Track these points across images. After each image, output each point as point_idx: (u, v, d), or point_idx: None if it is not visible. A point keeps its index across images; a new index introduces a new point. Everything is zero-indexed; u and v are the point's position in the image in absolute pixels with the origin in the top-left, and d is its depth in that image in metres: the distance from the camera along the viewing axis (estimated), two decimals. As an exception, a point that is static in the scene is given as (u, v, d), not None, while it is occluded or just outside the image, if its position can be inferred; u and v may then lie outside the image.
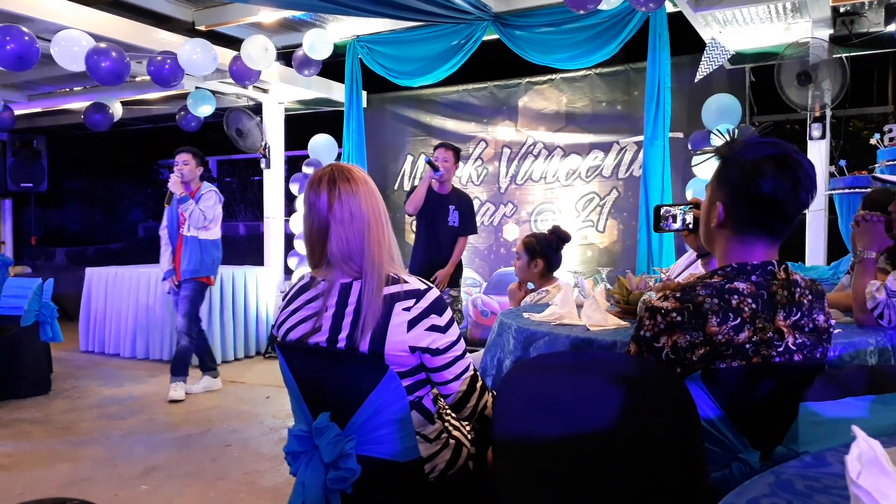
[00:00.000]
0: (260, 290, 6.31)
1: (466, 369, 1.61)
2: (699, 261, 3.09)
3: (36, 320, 4.73)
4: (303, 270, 6.38)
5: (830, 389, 1.29)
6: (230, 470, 3.32)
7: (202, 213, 4.63)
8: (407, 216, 5.28)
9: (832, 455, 0.83)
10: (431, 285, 1.58)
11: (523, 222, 6.22)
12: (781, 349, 1.38)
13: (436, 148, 4.73)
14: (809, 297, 1.44)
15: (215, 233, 4.79)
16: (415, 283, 1.56)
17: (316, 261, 1.61)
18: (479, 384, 1.63)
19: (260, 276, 6.35)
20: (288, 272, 6.67)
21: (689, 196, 4.92)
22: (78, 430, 3.98)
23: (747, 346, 1.35)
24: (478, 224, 6.34)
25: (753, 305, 1.36)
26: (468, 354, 1.63)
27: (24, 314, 4.62)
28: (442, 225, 4.61)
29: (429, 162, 4.57)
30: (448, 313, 1.57)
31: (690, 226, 1.77)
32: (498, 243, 6.30)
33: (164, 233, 4.85)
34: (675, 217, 1.78)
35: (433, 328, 1.53)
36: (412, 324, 1.51)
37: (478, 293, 6.31)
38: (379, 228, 1.57)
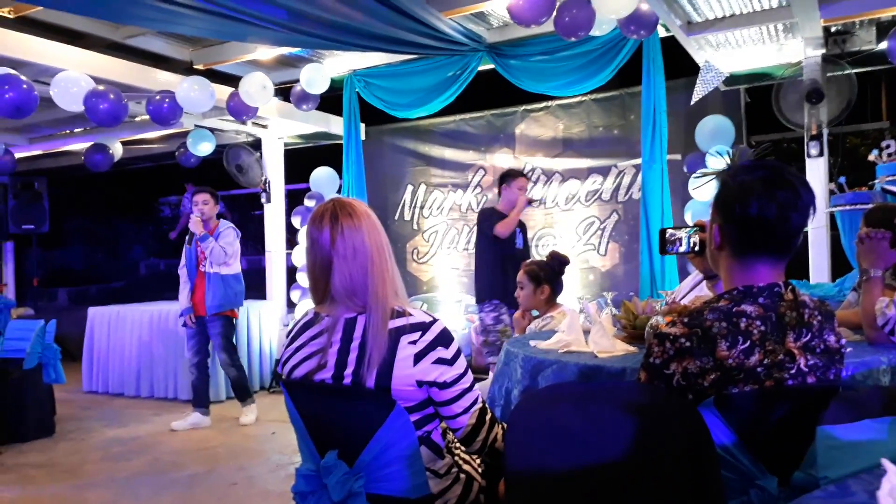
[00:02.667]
0: (263, 325, 6.28)
1: (475, 402, 1.58)
2: (704, 282, 3.08)
3: (39, 362, 4.70)
4: (306, 303, 6.36)
5: (846, 412, 1.27)
6: (237, 510, 3.27)
7: (223, 250, 4.79)
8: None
9: (856, 483, 0.81)
10: (437, 317, 1.57)
11: (525, 248, 6.20)
12: (794, 371, 1.36)
13: (514, 178, 4.65)
14: (819, 317, 1.43)
15: (236, 267, 4.95)
16: (420, 315, 1.55)
17: (320, 297, 1.60)
18: (488, 416, 1.61)
19: (263, 310, 6.33)
20: (291, 305, 6.64)
21: (687, 218, 4.92)
22: (83, 472, 3.93)
23: (759, 369, 1.33)
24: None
25: (762, 328, 1.35)
26: (476, 386, 1.61)
27: (26, 357, 4.59)
28: (512, 249, 4.62)
29: (530, 200, 4.67)
30: (454, 345, 1.55)
31: (696, 248, 1.76)
32: (500, 270, 6.28)
33: (182, 271, 4.98)
34: (680, 240, 1.77)
35: (440, 361, 1.52)
36: (418, 357, 1.50)
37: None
38: (382, 263, 1.56)
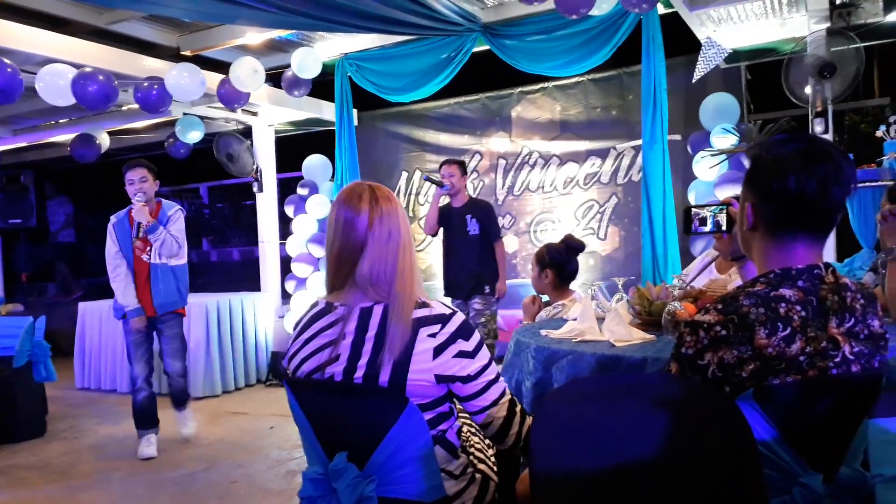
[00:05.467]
0: (258, 316, 6.17)
1: (503, 394, 1.51)
2: (713, 265, 2.99)
3: (29, 360, 4.58)
4: (301, 294, 6.25)
5: (898, 403, 1.18)
6: (237, 508, 3.18)
7: (174, 240, 3.97)
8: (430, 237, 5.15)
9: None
10: (456, 310, 1.49)
11: (522, 233, 6.12)
12: (838, 360, 1.27)
13: (440, 166, 4.68)
14: (861, 301, 1.33)
15: (184, 257, 4.13)
16: (439, 307, 1.47)
17: (340, 282, 1.51)
18: (518, 408, 1.53)
19: (257, 301, 6.21)
20: (286, 297, 6.53)
21: (691, 199, 4.83)
22: (76, 473, 3.83)
23: (801, 358, 1.24)
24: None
25: (803, 313, 1.26)
26: (501, 378, 1.52)
27: (16, 354, 4.47)
28: (462, 237, 4.54)
29: (427, 179, 4.46)
30: (476, 337, 1.47)
31: (723, 227, 1.66)
32: (498, 256, 6.18)
33: (122, 260, 4.04)
34: (704, 219, 1.67)
35: (461, 354, 1.43)
36: (438, 351, 1.41)
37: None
38: (412, 251, 1.51)
